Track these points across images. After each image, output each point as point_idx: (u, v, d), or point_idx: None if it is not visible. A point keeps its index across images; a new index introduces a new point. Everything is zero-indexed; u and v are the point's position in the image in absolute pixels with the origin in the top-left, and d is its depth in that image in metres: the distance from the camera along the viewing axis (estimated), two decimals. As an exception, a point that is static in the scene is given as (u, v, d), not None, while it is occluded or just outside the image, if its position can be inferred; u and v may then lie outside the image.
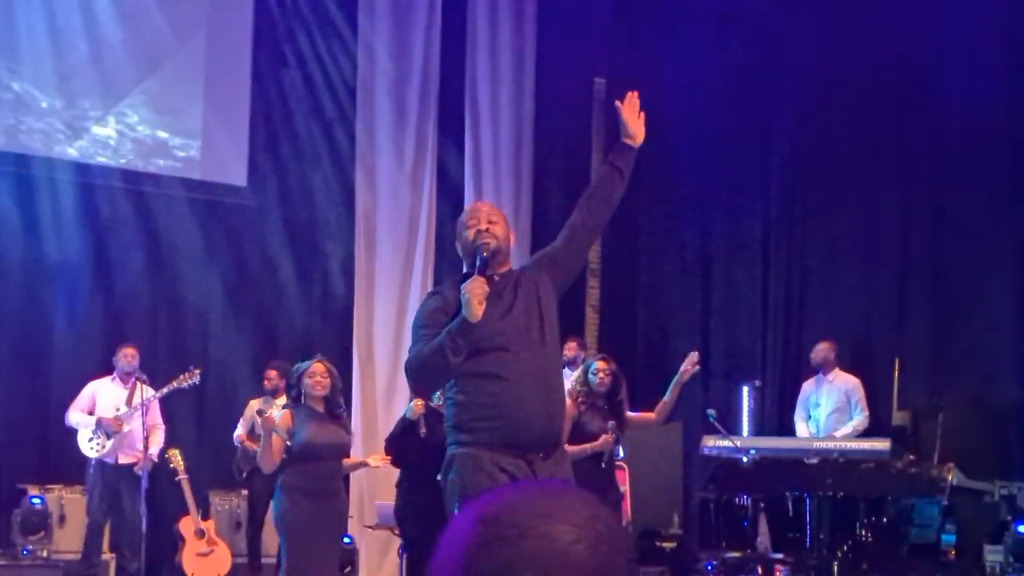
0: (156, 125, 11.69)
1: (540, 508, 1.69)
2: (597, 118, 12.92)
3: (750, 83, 12.72)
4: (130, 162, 11.57)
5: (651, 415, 8.18)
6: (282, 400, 10.30)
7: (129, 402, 9.81)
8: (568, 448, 7.94)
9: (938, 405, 10.28)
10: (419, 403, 7.68)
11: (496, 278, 4.86)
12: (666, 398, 8.05)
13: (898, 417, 10.33)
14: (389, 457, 8.09)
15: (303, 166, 12.18)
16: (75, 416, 9.87)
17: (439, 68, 12.83)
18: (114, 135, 11.53)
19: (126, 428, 9.79)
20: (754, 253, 12.76)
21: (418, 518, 7.65)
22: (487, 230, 4.90)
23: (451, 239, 12.42)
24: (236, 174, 11.89)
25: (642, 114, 5.10)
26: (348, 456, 7.54)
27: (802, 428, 10.64)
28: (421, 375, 4.93)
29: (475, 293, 4.60)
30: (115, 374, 10.03)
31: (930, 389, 11.09)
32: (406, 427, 7.68)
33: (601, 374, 8.07)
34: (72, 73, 11.27)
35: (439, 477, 4.98)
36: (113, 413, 9.80)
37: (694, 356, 7.96)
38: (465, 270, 4.94)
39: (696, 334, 12.90)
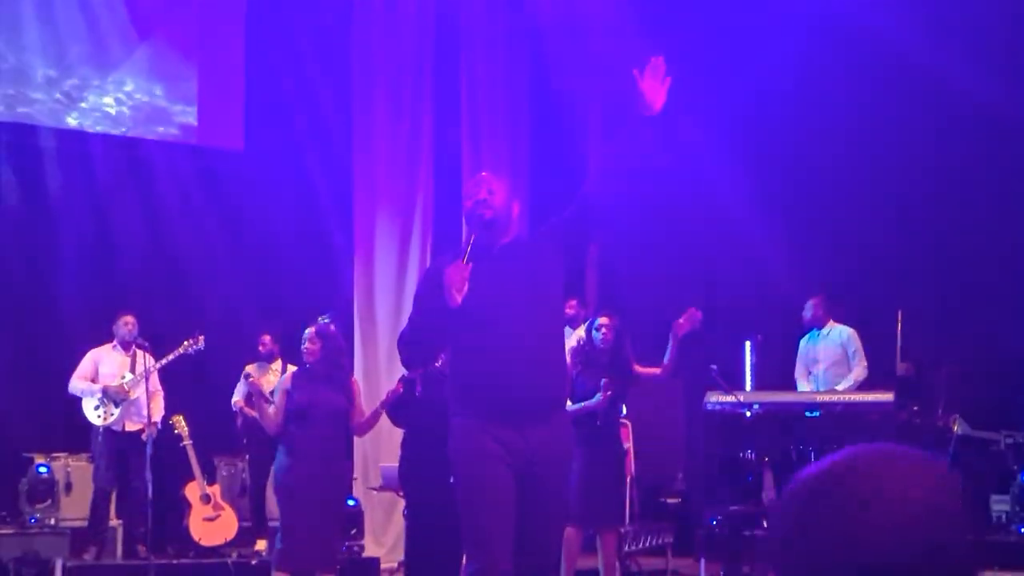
0: (152, 92, 11.66)
1: (896, 469, 1.66)
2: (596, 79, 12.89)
3: (754, 38, 12.63)
4: (128, 130, 11.54)
5: (657, 370, 8.17)
6: (277, 365, 10.33)
7: (133, 369, 9.83)
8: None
9: (942, 356, 10.28)
10: None
11: (495, 249, 4.86)
12: (666, 357, 8.03)
13: (902, 368, 10.31)
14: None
15: (300, 128, 12.13)
16: (79, 384, 9.89)
17: (435, 21, 12.75)
18: (111, 103, 11.50)
19: (133, 396, 9.82)
20: (755, 205, 12.71)
21: (420, 478, 7.64)
22: (485, 200, 4.87)
23: (448, 198, 12.49)
24: (233, 139, 11.85)
25: (667, 80, 4.85)
26: (347, 419, 7.48)
27: (803, 385, 10.63)
28: (409, 349, 5.07)
29: (453, 282, 4.61)
30: (115, 342, 10.05)
31: (934, 339, 11.09)
32: (405, 386, 7.66)
33: (604, 330, 8.05)
34: (67, 42, 11.24)
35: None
36: (118, 381, 9.83)
37: (692, 313, 7.92)
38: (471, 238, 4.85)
39: (699, 288, 12.88)
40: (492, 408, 4.73)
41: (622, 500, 8.23)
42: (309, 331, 7.44)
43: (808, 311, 10.64)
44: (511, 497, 4.69)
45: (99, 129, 11.44)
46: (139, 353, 9.97)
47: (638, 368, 8.21)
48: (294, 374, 7.42)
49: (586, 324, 8.32)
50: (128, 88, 11.55)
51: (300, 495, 7.19)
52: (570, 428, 5.05)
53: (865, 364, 10.41)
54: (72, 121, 11.34)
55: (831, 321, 10.64)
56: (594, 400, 7.82)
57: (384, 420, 8.23)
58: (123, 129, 11.55)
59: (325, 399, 7.30)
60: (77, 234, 11.11)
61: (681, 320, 7.88)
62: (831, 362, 10.51)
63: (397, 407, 7.74)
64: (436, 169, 12.70)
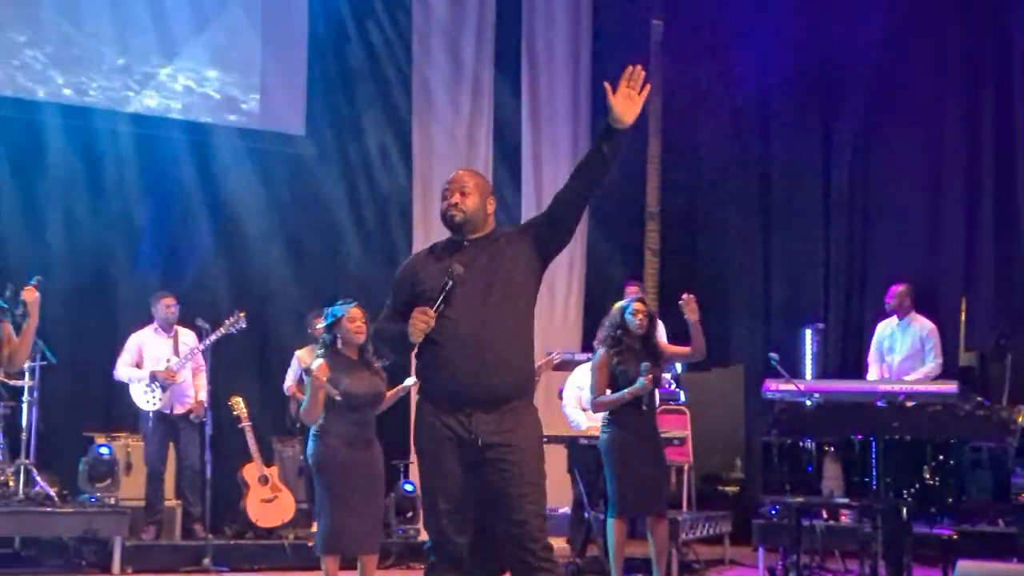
0: (213, 77, 11.73)
1: None
2: (655, 59, 12.77)
3: (813, 20, 12.51)
4: (189, 114, 11.64)
5: (686, 349, 8.16)
6: None
7: (176, 351, 9.88)
8: (607, 397, 7.92)
9: (1006, 345, 10.12)
10: None
11: (466, 243, 5.14)
12: (693, 339, 8.03)
13: (965, 358, 10.19)
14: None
15: (360, 114, 12.16)
16: (126, 371, 9.98)
17: (495, 13, 12.72)
18: (174, 88, 11.60)
19: (180, 379, 9.87)
20: (816, 194, 12.60)
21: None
22: (456, 204, 5.17)
23: (506, 186, 12.47)
24: (295, 123, 11.89)
25: (643, 91, 5.04)
26: (379, 403, 7.44)
27: (874, 371, 10.50)
28: (383, 346, 5.51)
29: (417, 327, 4.89)
30: (155, 325, 10.09)
31: (998, 329, 10.93)
32: None
33: (640, 316, 7.98)
34: (132, 28, 11.37)
35: None
36: (163, 364, 9.89)
37: (687, 297, 7.95)
38: (458, 236, 5.18)
39: (758, 276, 12.80)
40: (442, 395, 4.98)
41: (665, 486, 8.17)
42: (357, 310, 7.33)
43: (894, 298, 10.50)
44: (458, 478, 4.95)
45: (161, 113, 11.54)
46: (181, 333, 10.03)
47: (667, 348, 8.20)
48: (328, 363, 7.24)
49: (614, 311, 8.20)
50: (190, 73, 11.65)
51: (344, 478, 7.16)
52: (531, 415, 5.10)
53: (941, 361, 10.29)
54: (135, 106, 11.44)
55: (913, 312, 10.49)
56: (637, 385, 7.77)
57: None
58: (185, 113, 11.64)
59: (365, 384, 7.25)
60: (140, 217, 11.21)
61: (686, 314, 7.91)
62: (907, 354, 10.39)
63: None
64: (496, 153, 12.67)
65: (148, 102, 11.49)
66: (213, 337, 9.95)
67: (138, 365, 9.99)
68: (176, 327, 10.06)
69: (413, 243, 12.30)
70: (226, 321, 9.97)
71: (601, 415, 8.26)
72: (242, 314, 9.96)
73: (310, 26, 11.99)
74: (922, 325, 10.45)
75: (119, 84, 11.40)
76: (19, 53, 11.09)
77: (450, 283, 4.95)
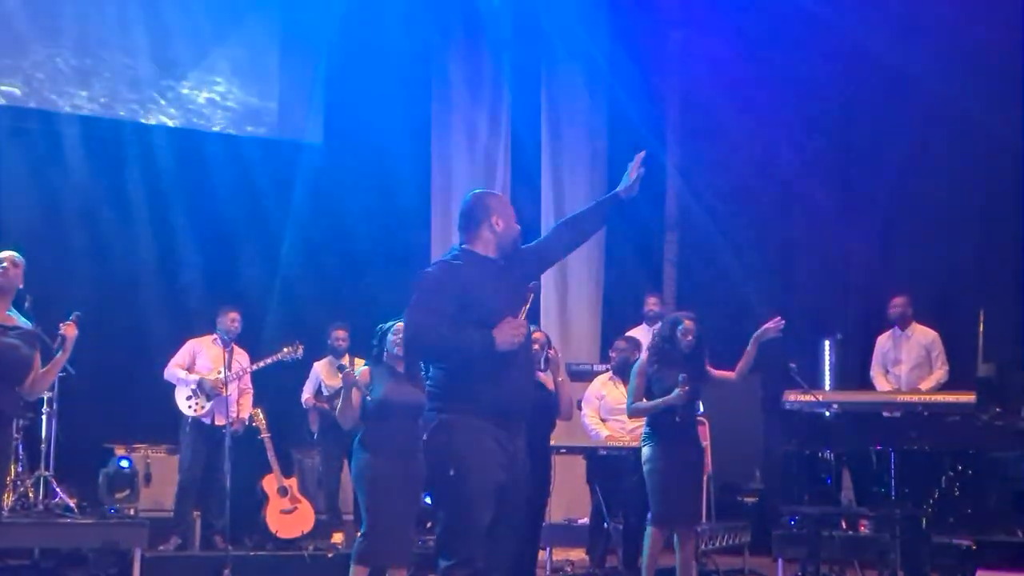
0: (233, 87, 11.79)
1: None
2: (673, 67, 12.82)
3: (825, 29, 12.50)
4: (208, 124, 11.69)
5: (731, 374, 8.09)
6: (345, 361, 10.31)
7: (229, 366, 9.90)
8: (643, 404, 7.92)
9: (1024, 357, 10.11)
10: None
11: (502, 263, 5.16)
12: (745, 357, 7.95)
13: (983, 369, 10.13)
14: None
15: (379, 123, 12.17)
16: (176, 372, 10.01)
17: (512, 24, 12.76)
18: (195, 98, 11.67)
19: (227, 392, 9.89)
20: (835, 204, 12.59)
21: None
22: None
23: (525, 198, 12.50)
24: (312, 132, 11.94)
25: (641, 171, 5.36)
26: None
27: (882, 382, 10.49)
28: (431, 354, 5.11)
29: (510, 337, 4.89)
30: (215, 336, 10.13)
31: (1016, 340, 10.90)
32: None
33: (689, 336, 7.94)
34: (151, 40, 11.44)
35: (423, 437, 5.05)
36: (214, 375, 9.92)
37: (779, 321, 7.87)
38: (498, 254, 5.16)
39: (776, 287, 12.78)
40: (496, 411, 4.93)
41: (700, 500, 8.17)
42: (399, 324, 7.45)
43: (896, 309, 10.48)
44: (495, 498, 4.89)
45: (184, 124, 11.62)
46: (236, 351, 10.06)
47: (711, 370, 8.14)
48: (371, 370, 7.42)
49: (665, 321, 8.23)
50: (211, 85, 11.72)
51: (383, 490, 7.21)
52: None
53: (947, 368, 10.27)
54: (159, 117, 11.54)
55: (915, 323, 10.48)
56: (673, 395, 7.76)
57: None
58: (208, 125, 11.71)
59: (406, 394, 7.32)
60: (159, 227, 11.27)
61: (772, 326, 7.85)
62: (914, 364, 10.37)
63: None
64: (514, 165, 12.70)
65: (169, 114, 11.56)
66: (268, 361, 10.02)
67: (189, 371, 10.03)
68: (234, 345, 10.08)
69: (431, 254, 12.34)
70: (285, 349, 10.03)
71: (627, 425, 8.28)
72: (300, 347, 10.01)
73: (328, 36, 12.03)
74: (924, 334, 10.44)
75: (140, 96, 11.48)
76: (43, 66, 11.19)
77: (531, 297, 5.06)
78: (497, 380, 4.91)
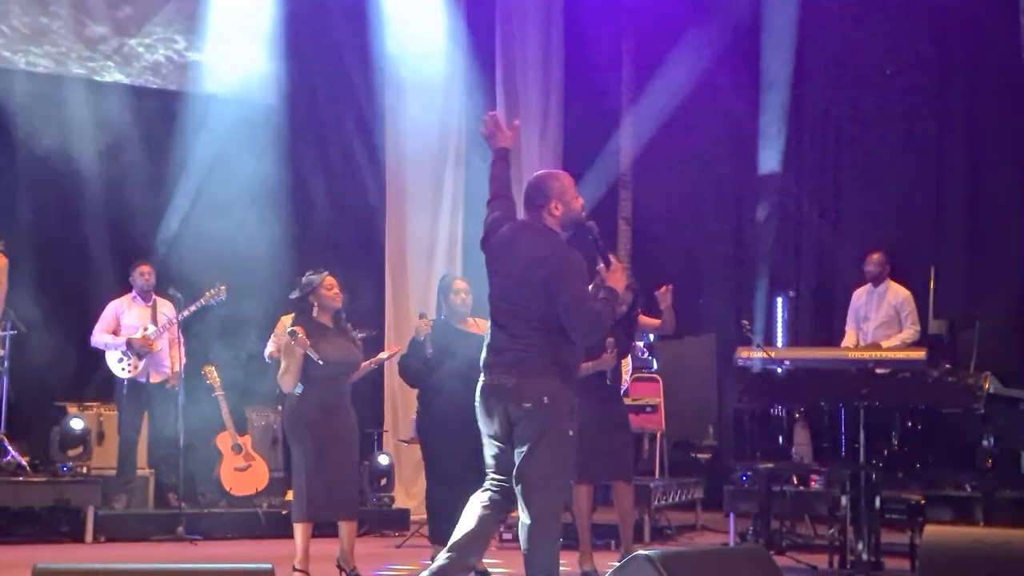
0: (184, 45, 11.68)
1: None
2: (627, 30, 12.82)
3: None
4: (159, 81, 11.58)
5: (657, 321, 8.22)
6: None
7: (154, 320, 9.85)
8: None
9: (974, 314, 10.20)
10: (424, 322, 7.63)
11: (567, 235, 5.57)
12: (665, 313, 8.07)
13: (934, 326, 10.26)
14: (398, 348, 8.05)
15: (332, 80, 12.09)
16: (103, 337, 9.96)
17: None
18: (145, 56, 11.55)
19: (157, 348, 9.86)
20: (788, 162, 12.64)
21: (434, 432, 7.66)
22: None
23: (479, 149, 12.47)
24: (266, 89, 11.82)
25: (515, 124, 5.90)
26: (353, 370, 7.48)
27: (851, 336, 10.54)
28: (606, 329, 5.68)
29: (624, 278, 5.58)
30: (133, 293, 10.07)
31: (966, 298, 11.02)
32: (414, 347, 7.66)
33: (624, 306, 7.91)
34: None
35: (531, 399, 5.28)
36: (140, 332, 9.87)
37: (663, 290, 8.05)
38: (562, 231, 5.51)
39: (729, 245, 12.84)
40: (575, 375, 5.52)
41: (625, 455, 8.18)
42: (332, 278, 7.38)
43: (872, 265, 10.49)
44: None
45: (131, 81, 11.48)
46: (160, 303, 10.01)
47: (641, 319, 8.22)
48: (305, 330, 7.28)
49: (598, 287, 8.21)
50: (160, 41, 11.59)
51: (315, 447, 7.18)
52: None
53: (918, 328, 10.30)
54: (104, 74, 11.38)
55: (890, 280, 10.51)
56: (602, 359, 7.78)
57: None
58: (155, 81, 11.58)
59: (341, 350, 7.28)
60: (112, 185, 11.15)
61: (661, 303, 8.04)
62: (882, 322, 10.42)
63: (408, 367, 7.76)
64: (468, 118, 12.65)
65: (122, 71, 11.43)
66: (192, 308, 9.95)
67: (115, 333, 9.97)
68: (155, 297, 10.04)
69: (387, 207, 12.32)
70: (206, 293, 9.97)
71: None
72: (223, 287, 9.95)
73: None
74: (896, 293, 10.48)
75: (93, 54, 11.34)
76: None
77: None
78: (583, 350, 5.60)
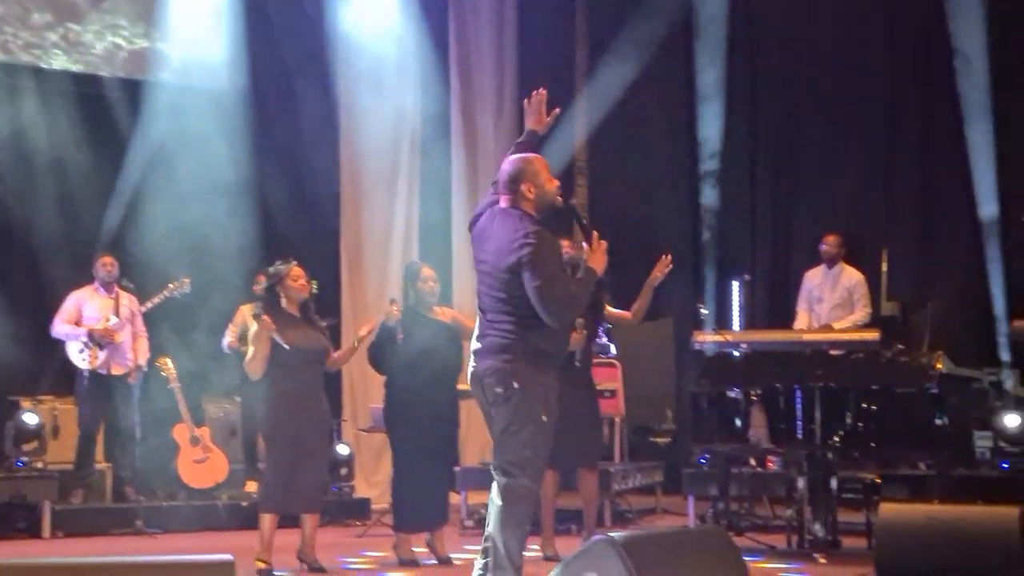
0: (134, 31, 11.59)
1: None
2: (581, 16, 12.83)
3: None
4: (111, 69, 11.48)
5: (627, 314, 8.10)
6: None
7: (117, 312, 9.79)
8: None
9: (927, 295, 10.31)
10: (395, 307, 7.63)
11: (541, 218, 5.50)
12: (639, 300, 7.98)
13: (887, 307, 10.37)
14: (375, 320, 8.00)
15: (286, 66, 12.01)
16: (63, 328, 9.87)
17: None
18: (95, 43, 11.44)
19: (119, 339, 9.80)
20: (743, 147, 12.71)
21: (402, 418, 7.66)
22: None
23: (435, 138, 12.43)
24: (219, 78, 11.75)
25: (555, 112, 5.81)
26: (328, 357, 7.49)
27: (803, 318, 10.62)
28: (579, 311, 5.75)
29: (606, 260, 5.48)
30: (96, 284, 10.01)
31: (919, 280, 11.12)
32: (384, 333, 7.65)
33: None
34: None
35: (500, 383, 5.30)
36: (102, 324, 9.80)
37: (666, 259, 7.90)
38: (538, 214, 5.44)
39: (686, 229, 12.88)
40: (556, 361, 5.52)
41: (595, 439, 8.21)
42: (299, 269, 7.38)
43: (828, 247, 10.55)
44: None
45: (83, 69, 11.39)
46: (122, 295, 9.95)
47: (609, 309, 8.17)
48: (272, 318, 7.29)
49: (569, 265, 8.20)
50: (110, 28, 11.49)
51: (290, 436, 7.19)
52: None
53: (869, 310, 10.39)
54: (57, 62, 11.28)
55: (843, 262, 10.58)
56: (571, 339, 7.77)
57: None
58: (105, 68, 11.49)
59: (309, 339, 7.29)
60: (66, 173, 11.06)
61: (660, 271, 7.87)
62: (836, 303, 10.49)
63: (378, 354, 7.75)
64: (423, 104, 12.63)
65: (72, 57, 11.33)
66: (156, 300, 9.91)
67: (77, 324, 9.89)
68: (118, 289, 9.97)
69: (341, 198, 12.28)
70: (170, 285, 9.92)
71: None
72: (187, 280, 9.91)
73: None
74: (850, 276, 10.56)
75: (43, 41, 11.23)
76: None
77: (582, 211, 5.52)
78: (566, 334, 5.54)
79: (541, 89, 5.77)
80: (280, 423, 7.21)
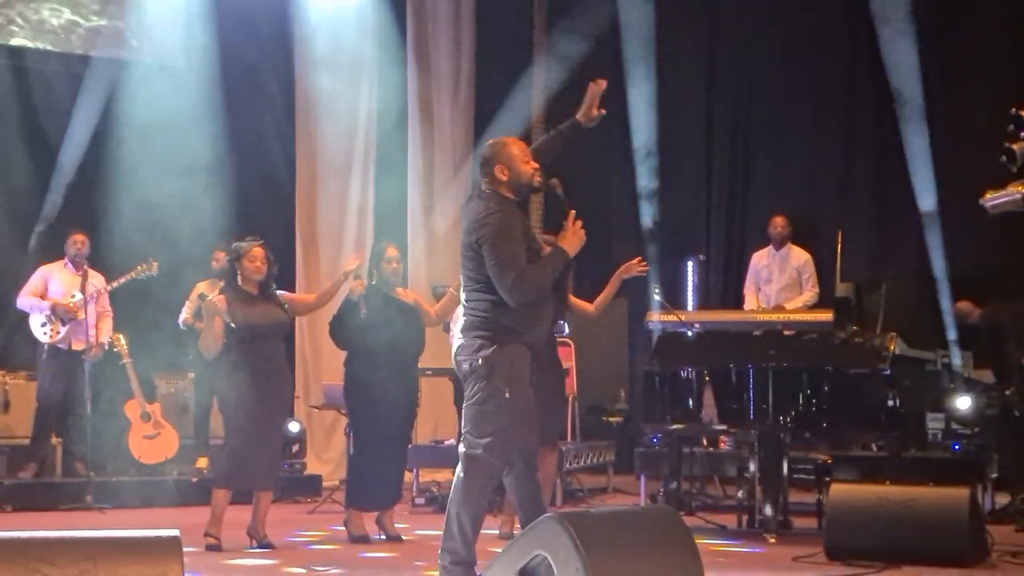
0: (90, 8, 11.45)
1: None
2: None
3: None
4: (67, 46, 11.35)
5: (590, 307, 8.03)
6: None
7: (83, 289, 9.73)
8: None
9: (880, 276, 10.36)
10: (359, 283, 7.60)
11: (519, 200, 5.58)
12: (606, 292, 7.92)
13: (841, 289, 10.40)
14: (359, 258, 7.94)
15: (240, 43, 11.90)
16: (28, 300, 9.83)
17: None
18: (52, 21, 11.31)
19: (82, 315, 9.72)
20: (698, 128, 12.71)
21: (363, 397, 7.63)
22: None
23: (392, 117, 12.33)
24: (173, 54, 11.63)
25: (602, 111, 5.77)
26: (287, 334, 7.47)
27: (752, 300, 10.67)
28: (542, 292, 5.47)
29: (578, 242, 5.44)
30: (66, 260, 9.95)
31: (873, 261, 11.18)
32: (348, 307, 7.62)
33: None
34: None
35: (468, 358, 5.36)
36: (67, 299, 9.74)
37: (643, 264, 7.85)
38: (512, 195, 5.49)
39: (639, 209, 12.88)
40: (537, 341, 5.51)
41: (557, 419, 8.20)
42: (259, 250, 7.36)
43: (777, 228, 10.61)
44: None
45: (40, 46, 11.25)
46: (90, 273, 9.87)
47: (573, 299, 8.12)
48: (227, 297, 7.27)
49: None
50: (66, 5, 11.35)
51: (250, 413, 7.15)
52: None
53: (817, 291, 10.48)
54: (15, 39, 11.15)
55: (790, 243, 10.65)
56: None
57: (327, 340, 8.22)
58: (64, 46, 11.36)
59: (267, 314, 7.26)
60: (21, 149, 10.94)
61: (632, 263, 7.82)
62: (784, 284, 10.56)
63: (340, 329, 7.72)
64: (379, 85, 12.56)
65: (29, 35, 11.19)
66: (122, 280, 9.89)
67: (42, 298, 9.82)
68: (87, 268, 9.88)
69: (296, 175, 12.21)
70: (138, 267, 9.87)
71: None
72: (155, 263, 9.86)
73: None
74: (798, 256, 10.63)
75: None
76: None
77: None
78: (540, 314, 5.45)
79: (601, 80, 5.77)
80: (239, 400, 7.17)
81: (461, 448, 5.38)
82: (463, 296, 5.51)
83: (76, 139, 11.17)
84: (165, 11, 11.59)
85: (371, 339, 7.51)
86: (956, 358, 10.20)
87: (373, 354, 7.52)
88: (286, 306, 7.48)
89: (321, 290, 7.84)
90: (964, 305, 9.82)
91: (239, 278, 7.36)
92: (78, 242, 9.96)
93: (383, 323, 7.50)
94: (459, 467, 5.37)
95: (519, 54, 12.93)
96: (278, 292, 7.54)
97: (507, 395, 5.31)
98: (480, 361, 5.31)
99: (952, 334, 10.46)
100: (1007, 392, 8.73)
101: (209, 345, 7.23)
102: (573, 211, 5.45)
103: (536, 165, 5.54)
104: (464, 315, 5.47)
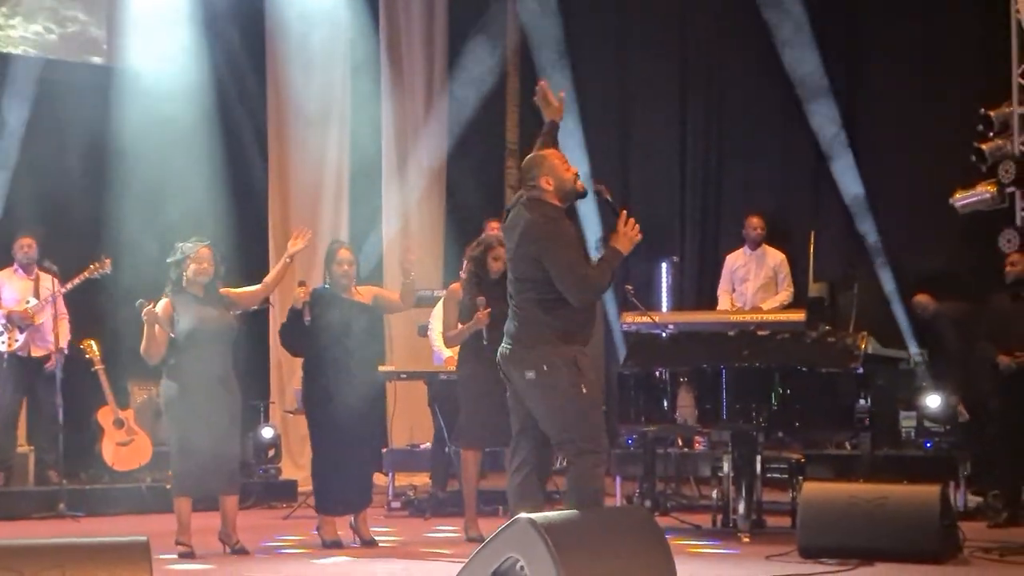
0: (57, 12, 11.40)
1: None
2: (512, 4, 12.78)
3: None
4: (36, 49, 11.29)
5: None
6: None
7: (37, 293, 9.66)
8: (452, 332, 7.93)
9: (853, 276, 10.40)
10: (303, 290, 7.51)
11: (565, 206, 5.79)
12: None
13: (815, 289, 10.44)
14: (306, 235, 7.83)
15: (212, 44, 11.83)
16: None
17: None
18: (9, 24, 11.26)
19: (39, 321, 9.66)
20: (671, 128, 12.73)
21: (319, 400, 7.59)
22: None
23: (366, 112, 12.25)
24: (143, 56, 11.57)
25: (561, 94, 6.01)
26: (235, 334, 7.40)
27: (725, 301, 10.68)
28: (601, 292, 5.98)
29: (638, 238, 5.64)
30: (15, 266, 9.87)
31: (846, 261, 11.21)
32: (292, 316, 7.56)
33: (499, 262, 7.77)
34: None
35: (532, 368, 5.54)
36: (22, 306, 9.67)
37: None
38: (560, 203, 5.70)
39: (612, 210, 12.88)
40: (583, 338, 5.70)
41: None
42: (205, 251, 7.27)
43: (752, 229, 10.64)
44: None
45: (8, 49, 11.20)
46: (43, 277, 9.80)
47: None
48: (172, 300, 7.20)
49: (478, 244, 8.09)
50: (40, 10, 11.30)
51: (199, 418, 7.09)
52: None
53: (792, 291, 10.52)
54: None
55: (764, 244, 10.68)
56: (472, 321, 7.73)
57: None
58: (23, 48, 11.29)
59: (215, 319, 7.20)
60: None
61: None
62: (760, 284, 10.59)
63: (287, 336, 7.70)
64: (353, 81, 12.51)
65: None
66: (76, 281, 9.75)
67: None
68: (38, 271, 9.82)
69: (269, 176, 12.16)
70: (90, 267, 9.76)
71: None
72: (108, 261, 9.77)
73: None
74: (773, 256, 10.66)
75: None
76: None
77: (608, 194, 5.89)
78: (592, 312, 5.75)
79: (541, 81, 6.06)
80: (185, 406, 7.11)
81: (567, 455, 5.61)
82: (512, 303, 5.70)
83: (35, 142, 11.05)
84: (131, 11, 11.49)
85: (322, 344, 7.45)
86: (915, 353, 10.24)
87: (327, 358, 7.47)
88: (232, 309, 7.39)
89: (268, 277, 7.69)
90: (922, 298, 9.88)
91: (184, 280, 7.26)
92: (25, 246, 9.86)
93: (336, 325, 7.45)
94: (572, 472, 5.62)
95: (495, 20, 12.83)
96: (222, 291, 7.41)
97: (584, 390, 5.51)
98: (547, 368, 5.51)
99: (909, 331, 10.51)
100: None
101: (151, 354, 7.15)
102: (624, 211, 5.64)
103: (575, 170, 5.77)
104: (514, 321, 5.66)
